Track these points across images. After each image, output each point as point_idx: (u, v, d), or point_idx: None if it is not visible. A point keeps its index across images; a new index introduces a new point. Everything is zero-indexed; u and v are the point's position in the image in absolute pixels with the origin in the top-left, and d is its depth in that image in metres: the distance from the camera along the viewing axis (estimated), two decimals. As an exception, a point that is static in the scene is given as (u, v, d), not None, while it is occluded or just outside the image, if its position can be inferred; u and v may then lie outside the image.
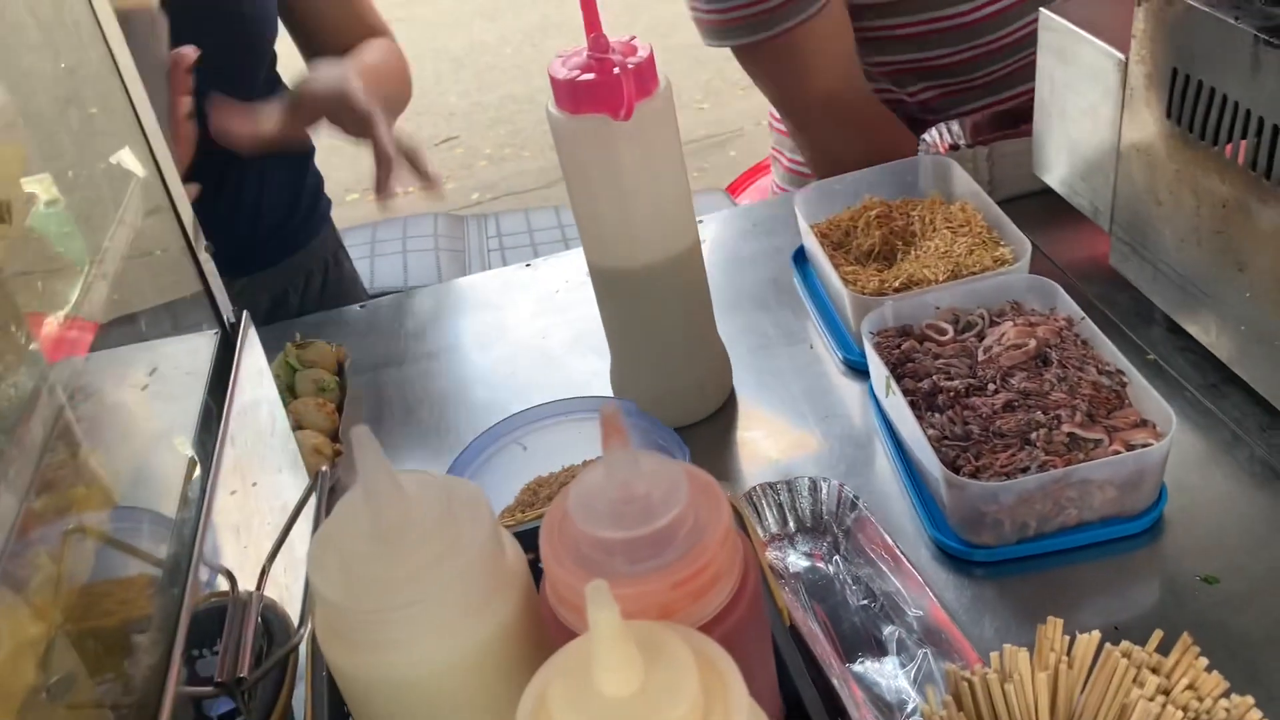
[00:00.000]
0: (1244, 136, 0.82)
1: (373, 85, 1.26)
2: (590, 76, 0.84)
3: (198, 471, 0.60)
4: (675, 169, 0.90)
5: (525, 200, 4.28)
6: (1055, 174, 1.10)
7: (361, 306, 1.32)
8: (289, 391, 1.09)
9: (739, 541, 0.49)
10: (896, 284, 1.04)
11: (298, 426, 1.05)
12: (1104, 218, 1.03)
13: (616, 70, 0.83)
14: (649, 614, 0.45)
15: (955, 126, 1.25)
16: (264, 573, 0.58)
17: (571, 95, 0.85)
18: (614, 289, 0.96)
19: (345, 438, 1.09)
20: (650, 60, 0.86)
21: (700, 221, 1.35)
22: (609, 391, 1.04)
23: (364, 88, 1.23)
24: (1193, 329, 0.94)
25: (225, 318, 0.66)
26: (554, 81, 0.86)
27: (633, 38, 0.88)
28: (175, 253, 0.67)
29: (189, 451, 0.62)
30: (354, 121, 1.22)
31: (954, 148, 1.23)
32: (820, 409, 1.02)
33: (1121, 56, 0.94)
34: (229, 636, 0.53)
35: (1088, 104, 1.00)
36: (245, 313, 0.68)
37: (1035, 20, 1.07)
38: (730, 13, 1.26)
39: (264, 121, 1.21)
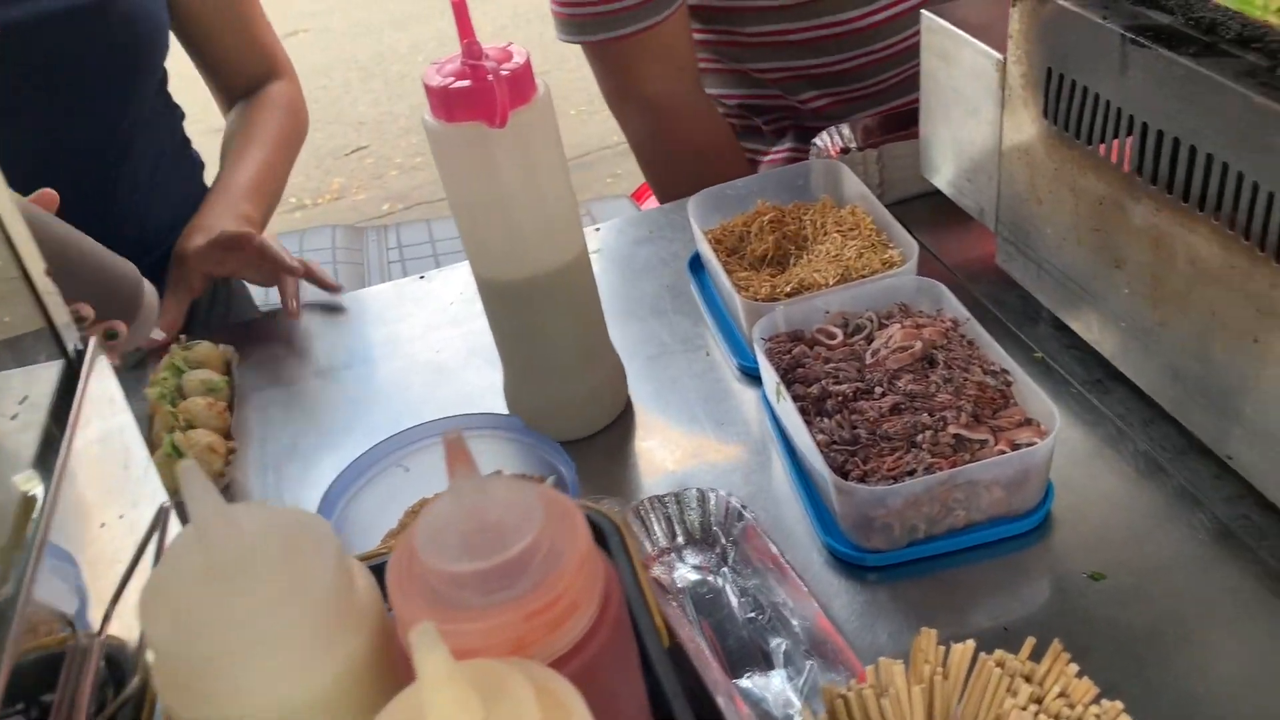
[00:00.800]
0: (1116, 135, 0.83)
1: (264, 197, 1.36)
2: (464, 84, 0.82)
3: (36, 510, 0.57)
4: (557, 177, 0.88)
5: (438, 210, 4.22)
6: (942, 175, 1.11)
7: (247, 325, 1.28)
8: (177, 393, 1.06)
9: (600, 566, 0.47)
10: (788, 289, 1.04)
11: (189, 427, 1.01)
12: (989, 218, 1.04)
13: (490, 77, 0.81)
14: (502, 648, 0.43)
15: (846, 130, 1.25)
16: (107, 616, 0.55)
17: (445, 103, 0.82)
18: (501, 301, 0.94)
19: (239, 435, 1.06)
20: (527, 67, 0.84)
21: (598, 229, 1.33)
22: (503, 405, 1.02)
23: (253, 214, 1.31)
24: (1076, 326, 0.95)
25: (68, 346, 0.62)
26: (428, 89, 0.83)
27: (509, 44, 0.86)
28: (14, 281, 0.63)
29: (29, 488, 0.59)
30: (259, 271, 1.26)
31: (845, 151, 1.23)
32: (717, 416, 1.01)
33: (1000, 57, 0.94)
34: (64, 687, 0.50)
35: (970, 105, 1.01)
36: (93, 340, 0.64)
37: None
38: (583, 7, 1.28)
39: (176, 313, 1.25)
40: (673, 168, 1.45)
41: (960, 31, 0.99)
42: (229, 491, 1.02)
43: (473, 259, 0.93)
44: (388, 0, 6.59)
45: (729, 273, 1.08)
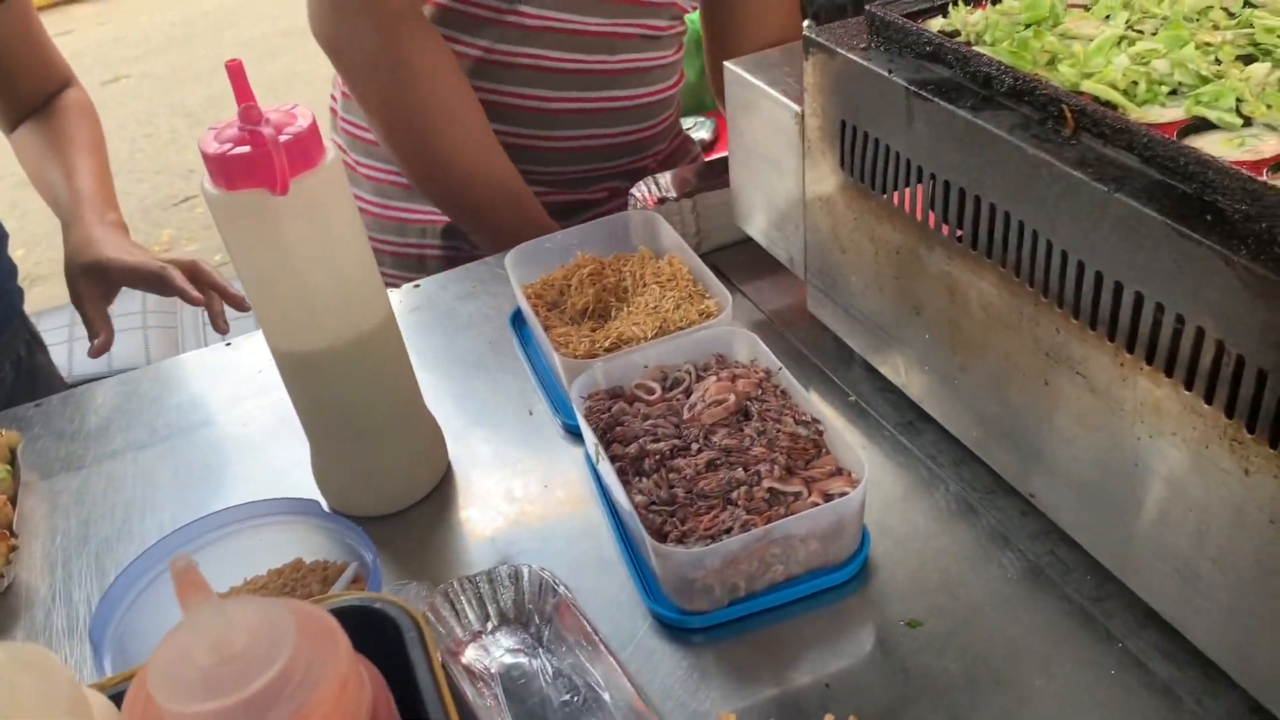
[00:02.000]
0: (908, 184, 0.84)
1: (113, 201, 1.40)
2: (243, 150, 0.77)
3: None
4: (351, 242, 0.84)
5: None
6: (754, 225, 1.12)
7: (37, 405, 1.18)
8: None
9: (366, 687, 0.43)
10: (607, 344, 1.02)
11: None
12: (799, 266, 1.05)
13: (271, 143, 0.76)
14: (251, 792, 0.39)
15: (664, 179, 1.25)
16: None
17: (224, 171, 0.78)
18: (300, 373, 0.89)
19: (23, 528, 0.98)
20: (311, 130, 0.80)
21: (417, 284, 1.29)
22: (311, 481, 0.96)
23: (118, 219, 1.37)
24: (885, 370, 0.96)
25: None
26: (205, 157, 0.78)
27: (294, 106, 0.82)
28: None
29: None
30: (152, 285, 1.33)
31: (662, 201, 1.23)
32: (542, 478, 0.98)
33: (797, 109, 0.95)
34: None
35: (773, 156, 1.02)
36: None
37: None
38: None
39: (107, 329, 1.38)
40: (467, 219, 1.37)
41: (760, 84, 1.00)
42: (10, 592, 0.93)
43: (267, 331, 0.88)
44: (216, 43, 6.38)
45: (548, 329, 1.06)
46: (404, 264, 1.50)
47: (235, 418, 1.11)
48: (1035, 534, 0.84)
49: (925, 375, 0.90)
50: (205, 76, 5.96)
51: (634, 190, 1.23)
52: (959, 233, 0.79)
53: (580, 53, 1.38)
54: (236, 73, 0.79)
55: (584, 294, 1.11)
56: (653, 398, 0.94)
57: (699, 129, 3.04)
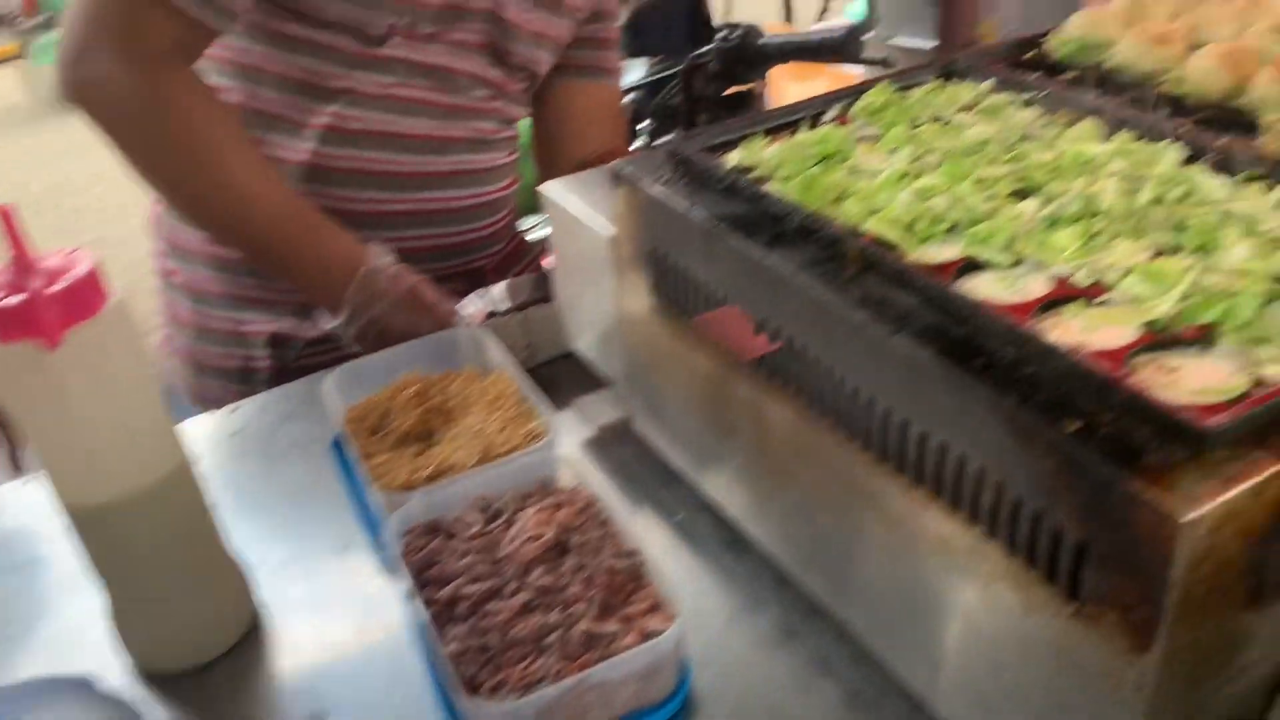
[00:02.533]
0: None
1: None
2: (13, 300, 0.73)
3: None
4: (137, 390, 0.80)
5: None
6: (580, 341, 1.12)
7: None
8: None
9: None
10: (428, 473, 0.99)
11: None
12: (622, 385, 1.04)
13: (41, 293, 0.72)
14: None
15: (496, 290, 1.24)
16: None
17: (-8, 323, 0.73)
18: (89, 527, 0.84)
19: None
20: (90, 277, 0.76)
21: (235, 408, 1.24)
22: (109, 636, 0.90)
23: None
24: (707, 490, 0.96)
25: None
26: (-30, 308, 0.73)
27: (75, 251, 0.78)
28: None
29: None
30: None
31: (493, 314, 1.21)
32: (358, 621, 0.94)
33: (611, 233, 0.96)
34: None
35: (592, 277, 1.02)
36: None
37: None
38: None
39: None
40: (175, 146, 1.24)
41: (574, 207, 1.01)
42: None
43: (51, 482, 0.82)
44: (65, 126, 6.14)
45: (367, 457, 1.02)
46: (228, 376, 1.44)
47: (20, 562, 1.04)
48: (854, 658, 0.84)
49: (743, 497, 0.90)
50: (49, 161, 5.73)
51: (462, 305, 1.22)
52: (758, 361, 0.80)
53: (409, 154, 1.37)
54: (7, 219, 0.74)
55: (408, 416, 1.08)
56: (472, 532, 0.91)
57: (541, 228, 3.04)
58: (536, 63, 1.44)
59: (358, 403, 1.12)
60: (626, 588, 0.83)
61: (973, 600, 0.67)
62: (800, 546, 0.85)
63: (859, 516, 0.75)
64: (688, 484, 1.02)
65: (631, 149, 1.96)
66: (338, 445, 1.14)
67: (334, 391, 1.10)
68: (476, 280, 1.45)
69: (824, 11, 4.25)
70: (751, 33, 1.71)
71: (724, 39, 1.72)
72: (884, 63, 1.72)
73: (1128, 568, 0.55)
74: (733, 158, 0.87)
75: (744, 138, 0.90)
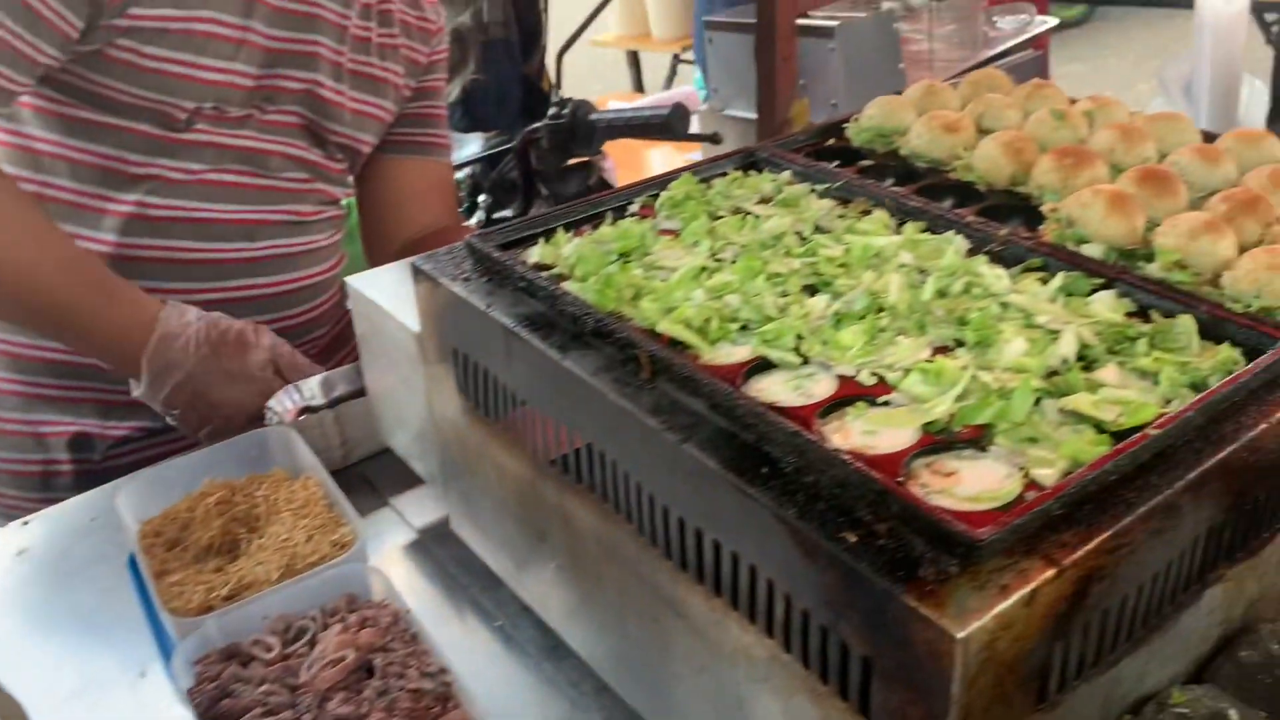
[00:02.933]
0: (518, 413, 0.82)
1: None
2: None
3: None
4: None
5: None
6: (394, 438, 1.07)
7: None
8: None
9: None
10: (226, 591, 0.93)
11: None
12: (437, 484, 1.00)
13: None
14: None
15: (309, 386, 1.18)
16: None
17: None
18: None
19: None
20: None
21: (26, 522, 1.14)
22: None
23: None
24: (525, 595, 0.93)
25: None
26: None
27: None
28: None
29: None
30: None
31: (305, 411, 1.16)
32: (149, 758, 0.86)
33: (417, 330, 0.93)
34: None
35: (401, 374, 0.98)
36: None
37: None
38: None
39: None
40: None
41: (381, 302, 0.97)
42: None
43: None
44: None
45: (161, 576, 0.95)
46: (26, 484, 1.34)
47: None
48: (674, 766, 0.81)
49: (560, 603, 0.87)
50: None
51: (272, 403, 1.16)
52: (562, 465, 0.78)
53: (220, 241, 1.31)
54: None
55: (209, 528, 1.01)
56: (271, 655, 0.85)
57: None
58: (358, 143, 1.40)
59: (157, 514, 1.05)
60: (433, 711, 0.79)
61: (776, 713, 0.65)
62: (615, 654, 0.82)
63: (667, 625, 0.73)
64: (508, 588, 0.99)
65: (468, 224, 1.94)
66: (134, 561, 1.07)
67: (127, 504, 1.02)
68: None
69: (671, 80, 4.34)
70: (581, 109, 1.71)
71: (554, 116, 1.71)
72: (713, 138, 1.74)
73: (910, 683, 0.54)
74: (533, 254, 0.85)
75: (546, 232, 0.88)
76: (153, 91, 1.20)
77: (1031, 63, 2.48)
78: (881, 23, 1.92)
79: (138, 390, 1.19)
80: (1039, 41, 2.74)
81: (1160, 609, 0.64)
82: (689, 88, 3.30)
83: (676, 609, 0.71)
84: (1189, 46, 3.33)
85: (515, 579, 0.93)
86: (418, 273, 0.88)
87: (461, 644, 0.95)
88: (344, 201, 1.47)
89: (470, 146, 2.05)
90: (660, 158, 2.61)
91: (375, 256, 1.51)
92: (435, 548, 1.05)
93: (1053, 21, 2.55)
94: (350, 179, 1.45)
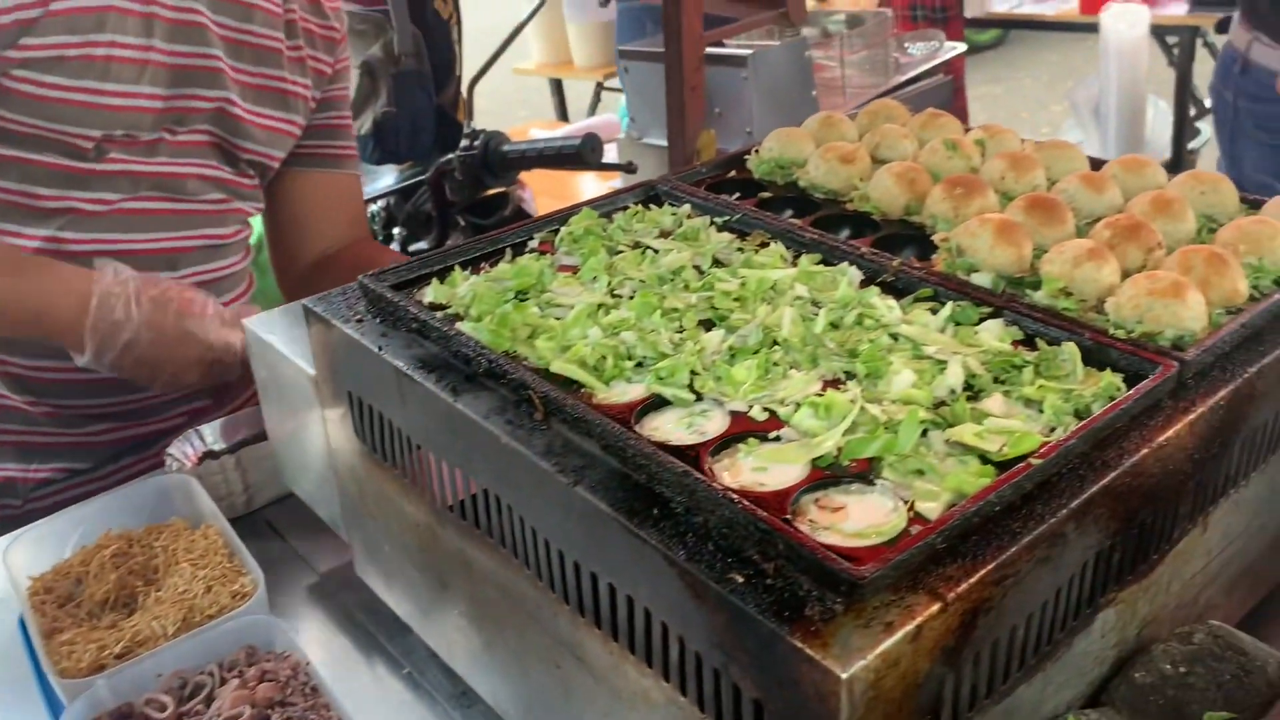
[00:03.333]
0: (414, 458, 0.81)
1: None
2: None
3: None
4: None
5: None
6: (298, 484, 1.05)
7: None
8: None
9: None
10: (118, 649, 0.89)
11: None
12: (342, 528, 0.98)
13: None
14: None
15: (210, 431, 1.15)
16: None
17: None
18: None
19: None
20: None
21: (-89, 583, 1.09)
22: None
23: None
24: (431, 641, 0.91)
25: None
26: None
27: None
28: None
29: None
30: None
31: (209, 455, 1.12)
32: (37, 828, 0.82)
33: (313, 373, 0.91)
34: None
35: (301, 418, 0.96)
36: None
37: None
38: None
39: None
40: None
41: (277, 345, 0.95)
42: None
43: None
44: None
45: (51, 635, 0.91)
46: None
47: None
48: (583, 812, 0.80)
49: (464, 649, 0.85)
50: None
51: (171, 449, 1.12)
52: (460, 510, 0.76)
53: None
54: None
55: (104, 582, 0.98)
56: (164, 715, 0.82)
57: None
58: (269, 159, 1.36)
59: (49, 569, 1.01)
60: (331, 766, 0.77)
61: (676, 756, 0.64)
62: (521, 699, 0.80)
63: (568, 670, 0.72)
64: (415, 634, 0.96)
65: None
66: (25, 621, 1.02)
67: (15, 560, 0.98)
68: (223, 393, 1.35)
69: (595, 107, 4.35)
70: (493, 140, 1.70)
71: (466, 149, 1.70)
72: (627, 167, 1.75)
73: (800, 725, 0.54)
74: (428, 293, 0.84)
75: (443, 270, 0.87)
76: (55, 122, 1.16)
77: (944, 87, 2.54)
78: (794, 51, 1.95)
79: (82, 359, 1.13)
80: (954, 66, 2.80)
81: (1052, 636, 0.64)
82: (611, 116, 3.31)
83: (576, 653, 0.70)
84: (1097, 69, 3.44)
85: (421, 625, 0.91)
86: (310, 314, 0.86)
87: (369, 692, 0.92)
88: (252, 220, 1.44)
89: (384, 179, 2.02)
90: (587, 186, 2.60)
91: (285, 275, 1.48)
92: (342, 594, 1.02)
93: (962, 47, 2.61)
94: (261, 194, 1.42)
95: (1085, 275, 0.77)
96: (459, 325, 0.78)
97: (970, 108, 3.60)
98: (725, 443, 0.66)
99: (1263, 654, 0.71)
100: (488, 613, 0.79)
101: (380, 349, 0.79)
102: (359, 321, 0.83)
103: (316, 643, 0.98)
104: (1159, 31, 3.60)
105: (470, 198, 1.83)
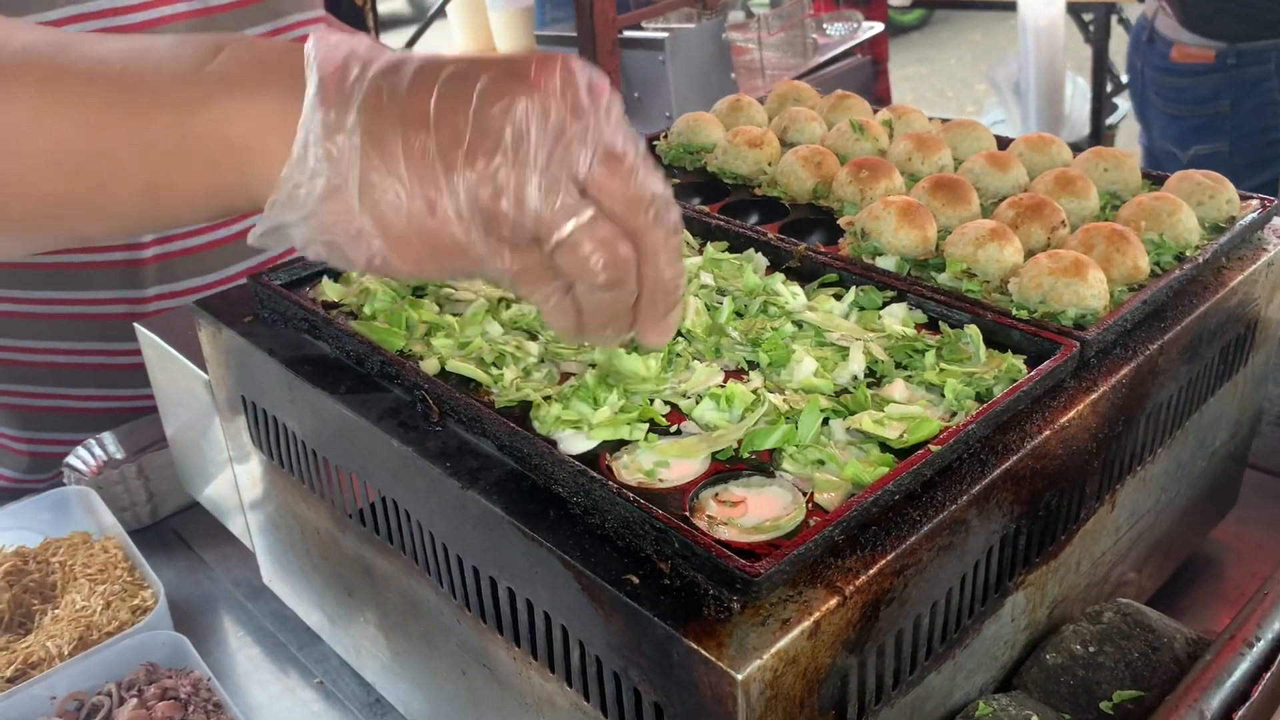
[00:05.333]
0: (311, 463, 0.78)
1: None
2: None
3: None
4: None
5: None
6: (201, 492, 1.01)
7: None
8: None
9: None
10: (9, 672, 0.85)
11: None
12: (247, 537, 0.95)
13: None
14: None
15: (110, 440, 1.10)
16: None
17: None
18: None
19: None
20: None
21: None
22: None
23: None
24: (341, 650, 0.88)
25: None
26: None
27: None
28: None
29: None
30: None
31: (110, 464, 1.08)
32: None
33: (207, 377, 0.87)
34: None
35: (199, 424, 0.92)
36: None
37: None
38: None
39: None
40: None
41: (170, 349, 0.91)
42: None
43: None
44: None
45: (-62, 662, 0.87)
46: None
47: None
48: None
49: (374, 656, 0.83)
50: None
51: (71, 459, 1.08)
52: (359, 516, 0.74)
53: None
54: None
55: (-2, 601, 0.93)
56: (57, 740, 0.79)
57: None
58: None
59: (-62, 590, 0.96)
60: (233, 787, 0.74)
61: (583, 761, 0.63)
62: (431, 707, 0.78)
63: (474, 677, 0.70)
64: (326, 643, 0.94)
65: None
66: (-87, 645, 0.98)
67: (-100, 583, 0.93)
68: None
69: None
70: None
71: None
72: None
73: (700, 727, 0.52)
74: (323, 291, 0.81)
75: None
76: None
77: (864, 67, 2.55)
78: (711, 33, 1.93)
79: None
80: (877, 47, 2.81)
81: (959, 623, 0.64)
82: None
83: (482, 660, 0.68)
84: (1017, 48, 3.48)
85: (331, 634, 0.88)
86: (198, 316, 0.83)
87: (281, 702, 0.90)
88: None
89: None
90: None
91: None
92: (251, 604, 0.99)
93: (879, 27, 2.61)
94: None
95: (988, 256, 0.76)
96: (352, 324, 0.75)
97: (896, 88, 3.62)
98: (625, 440, 0.64)
99: (1170, 630, 0.72)
100: (395, 620, 0.77)
101: (270, 351, 0.76)
102: (249, 322, 0.80)
103: (227, 654, 0.95)
104: (1075, 9, 3.65)
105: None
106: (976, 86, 5.56)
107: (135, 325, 0.96)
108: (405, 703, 0.81)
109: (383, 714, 0.87)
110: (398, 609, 0.75)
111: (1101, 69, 3.52)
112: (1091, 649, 0.70)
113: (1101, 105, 3.51)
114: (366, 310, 0.77)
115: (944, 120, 1.02)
